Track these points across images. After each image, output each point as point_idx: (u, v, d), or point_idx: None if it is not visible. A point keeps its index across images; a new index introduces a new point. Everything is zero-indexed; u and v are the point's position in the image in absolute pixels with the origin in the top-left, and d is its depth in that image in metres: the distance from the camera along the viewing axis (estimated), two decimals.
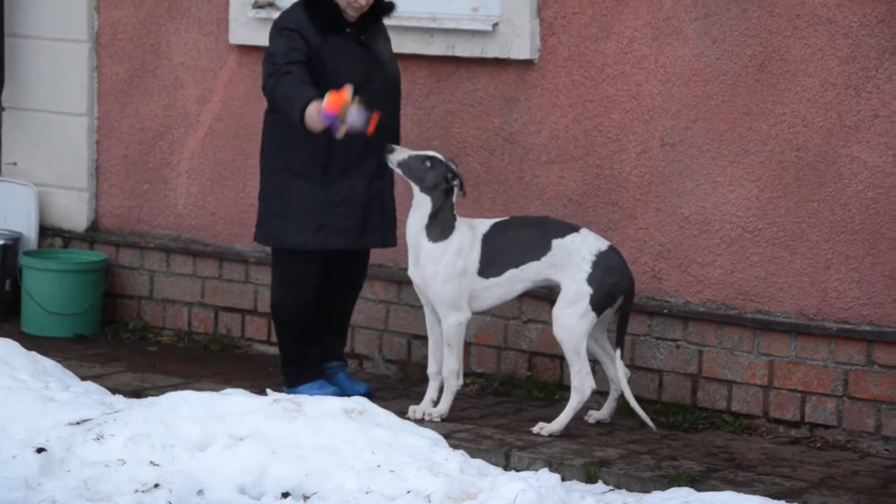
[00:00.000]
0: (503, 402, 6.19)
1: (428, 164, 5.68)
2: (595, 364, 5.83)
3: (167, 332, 7.14)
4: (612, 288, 5.68)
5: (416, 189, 5.73)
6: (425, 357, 6.48)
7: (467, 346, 6.45)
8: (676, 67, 6.03)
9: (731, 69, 5.92)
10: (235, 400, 5.26)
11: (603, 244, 5.73)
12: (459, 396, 5.97)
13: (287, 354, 6.08)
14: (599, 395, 5.87)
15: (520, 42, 6.27)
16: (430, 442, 5.15)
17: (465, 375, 6.42)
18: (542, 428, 5.71)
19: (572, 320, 5.64)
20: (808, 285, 5.81)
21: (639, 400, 6.05)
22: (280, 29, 5.90)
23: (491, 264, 5.71)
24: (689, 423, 5.91)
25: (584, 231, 5.75)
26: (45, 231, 7.39)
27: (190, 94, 7.07)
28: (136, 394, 5.99)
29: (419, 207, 5.72)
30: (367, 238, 5.97)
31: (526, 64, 6.32)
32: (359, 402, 5.32)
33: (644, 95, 6.10)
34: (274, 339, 6.45)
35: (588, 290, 5.63)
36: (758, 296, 5.91)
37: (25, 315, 7.11)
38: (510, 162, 6.38)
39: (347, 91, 5.54)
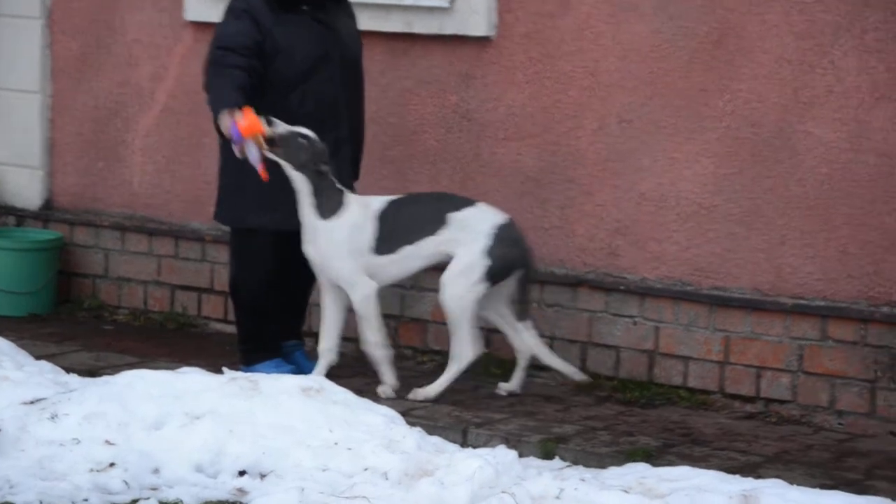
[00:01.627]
0: (460, 379, 6.18)
1: (304, 141, 5.61)
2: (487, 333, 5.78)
3: (123, 311, 7.09)
4: (511, 261, 5.70)
5: (288, 168, 5.65)
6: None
7: (423, 323, 6.45)
8: (633, 44, 6.03)
9: (687, 45, 5.93)
10: (192, 378, 5.24)
11: (501, 217, 5.74)
12: (416, 374, 5.97)
13: (244, 332, 6.06)
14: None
15: (477, 19, 6.25)
16: (387, 419, 5.15)
17: (423, 353, 6.42)
18: (417, 393, 5.75)
19: (461, 289, 5.64)
20: (764, 261, 5.83)
21: (596, 376, 6.08)
22: (232, 8, 5.86)
23: (386, 242, 5.70)
24: (645, 399, 5.93)
25: (480, 205, 5.76)
26: None
27: (144, 71, 7.01)
28: (92, 373, 5.95)
29: (299, 188, 5.67)
30: None
31: (483, 41, 6.31)
32: (316, 381, 5.31)
33: (601, 72, 6.10)
34: (231, 317, 6.42)
35: (485, 262, 5.64)
36: (714, 272, 5.93)
37: None
38: (467, 139, 6.37)
39: (262, 125, 5.55)
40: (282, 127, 5.64)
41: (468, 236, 5.66)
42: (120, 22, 7.04)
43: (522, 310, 5.81)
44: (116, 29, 7.05)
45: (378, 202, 5.76)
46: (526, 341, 5.83)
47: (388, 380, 5.81)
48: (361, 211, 5.71)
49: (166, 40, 6.94)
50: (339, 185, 5.71)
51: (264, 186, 5.76)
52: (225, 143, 5.92)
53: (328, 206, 5.67)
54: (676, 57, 5.95)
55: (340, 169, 5.90)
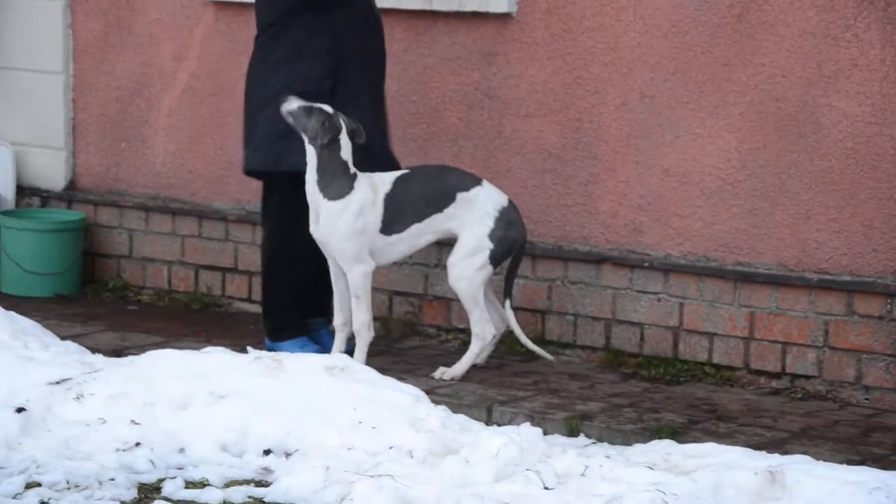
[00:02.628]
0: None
1: (311, 113, 5.58)
2: None
3: (147, 291, 7.11)
4: (511, 243, 5.73)
5: (305, 141, 5.65)
6: (407, 313, 6.48)
7: (447, 301, 6.44)
8: (655, 19, 5.99)
9: (709, 20, 5.89)
10: (216, 358, 5.25)
11: (504, 199, 5.76)
12: (440, 352, 5.96)
13: (272, 307, 6.03)
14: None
15: None
16: (411, 398, 5.15)
17: (447, 331, 6.42)
18: (444, 373, 5.76)
19: (470, 271, 5.67)
20: (789, 236, 5.81)
21: (620, 353, 6.07)
22: None
23: (394, 221, 5.70)
24: (670, 376, 5.92)
25: (486, 184, 5.76)
26: (23, 190, 7.34)
27: (166, 50, 7.01)
28: (117, 353, 5.97)
29: (309, 161, 5.65)
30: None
31: (504, 17, 6.28)
32: (340, 360, 5.31)
33: (623, 48, 6.07)
34: (255, 296, 6.43)
35: (489, 245, 5.68)
36: (738, 248, 5.91)
37: (4, 275, 7.08)
38: (489, 116, 6.35)
39: None
40: (294, 102, 5.62)
41: (473, 217, 5.68)
42: (141, 2, 7.04)
43: (508, 288, 5.80)
44: (137, 9, 7.05)
45: (385, 184, 5.72)
46: (505, 318, 5.83)
47: (361, 360, 5.77)
48: (370, 194, 5.68)
49: (188, 20, 6.94)
50: (352, 169, 5.69)
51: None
52: (261, 88, 5.83)
53: (334, 186, 5.64)
54: (699, 32, 5.91)
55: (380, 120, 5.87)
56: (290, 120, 5.64)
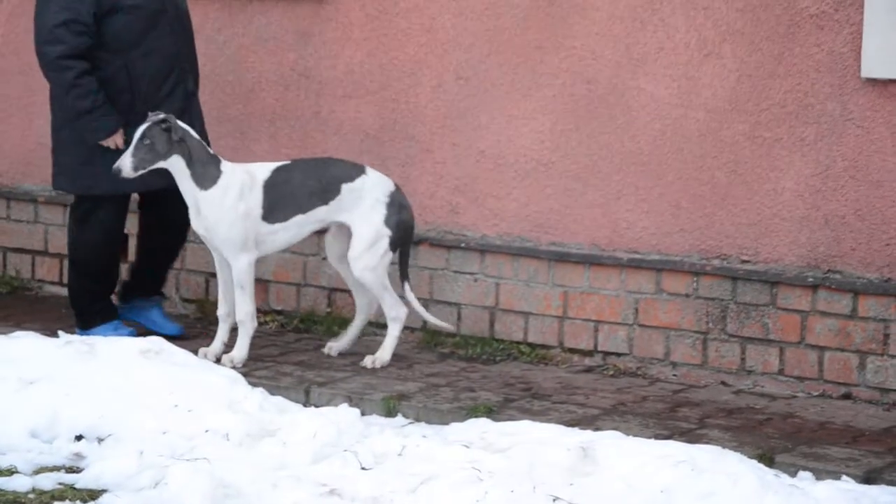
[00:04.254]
0: (303, 339, 6.19)
1: (148, 136, 5.49)
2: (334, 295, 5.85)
3: None
4: (406, 226, 5.76)
5: (160, 163, 5.54)
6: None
7: (265, 283, 6.41)
8: (469, 1, 6.04)
9: (522, 3, 5.96)
10: (26, 343, 5.15)
11: (390, 183, 5.78)
12: (258, 334, 5.93)
13: (83, 296, 5.95)
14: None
15: None
16: (228, 380, 5.12)
17: (265, 313, 6.39)
18: (374, 361, 5.76)
19: (374, 261, 5.69)
20: (601, 216, 5.92)
21: (437, 333, 6.12)
22: None
23: (275, 210, 5.68)
24: (487, 355, 5.99)
25: (370, 171, 5.77)
26: None
27: None
28: None
29: (175, 169, 5.57)
30: None
31: None
32: (154, 343, 5.25)
33: (438, 29, 6.10)
34: (66, 280, 6.29)
35: (387, 232, 5.70)
36: (552, 228, 6.00)
37: None
38: (306, 97, 6.33)
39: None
40: (127, 159, 5.49)
41: (364, 206, 5.67)
42: None
43: (404, 271, 5.82)
44: None
45: (263, 171, 5.69)
46: (408, 299, 5.83)
47: (241, 353, 5.73)
48: (245, 178, 5.63)
49: None
50: (212, 153, 5.63)
51: (111, 155, 5.63)
52: (61, 111, 5.78)
53: (207, 175, 5.59)
54: (512, 14, 5.98)
55: (194, 123, 5.81)
56: (147, 160, 5.51)
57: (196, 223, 5.66)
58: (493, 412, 5.21)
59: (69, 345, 5.12)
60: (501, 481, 4.40)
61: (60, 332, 5.32)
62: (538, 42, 5.95)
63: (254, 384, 5.22)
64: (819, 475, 4.70)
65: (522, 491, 4.37)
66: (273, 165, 5.74)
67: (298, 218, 5.70)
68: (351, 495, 4.42)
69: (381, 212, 5.69)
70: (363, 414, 5.12)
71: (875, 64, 5.38)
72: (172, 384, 4.99)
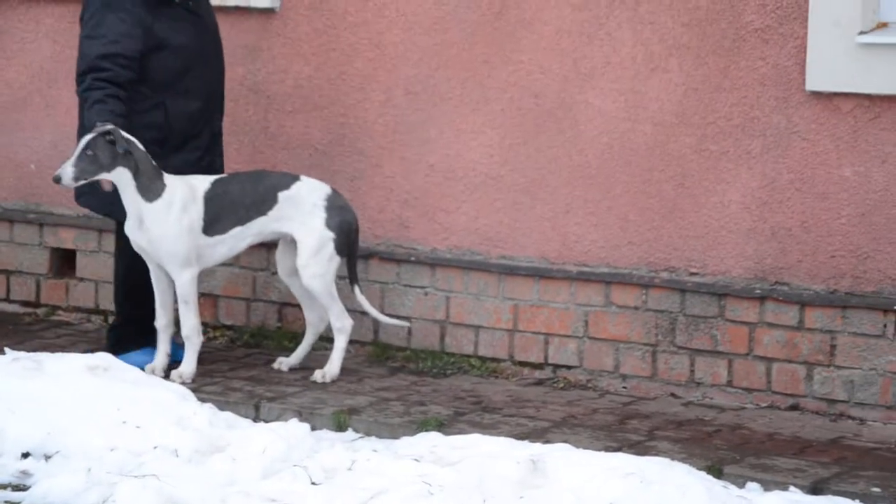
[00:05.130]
0: (253, 354, 6.17)
1: (91, 148, 5.45)
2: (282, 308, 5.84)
3: None
4: (349, 227, 5.75)
5: (104, 175, 5.51)
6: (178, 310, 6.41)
7: (215, 298, 6.39)
8: (417, 16, 6.06)
9: (469, 17, 5.99)
10: None
11: (326, 187, 5.78)
12: (208, 349, 5.91)
13: (125, 321, 5.89)
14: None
15: None
16: (177, 396, 5.11)
17: (214, 328, 6.37)
18: (324, 375, 5.75)
19: (321, 268, 5.68)
20: (550, 230, 5.95)
21: (388, 347, 6.12)
22: (110, 2, 5.62)
23: (215, 222, 5.67)
24: (437, 369, 6.00)
25: (304, 178, 5.77)
26: None
27: None
28: None
29: (119, 181, 5.55)
30: None
31: (268, 12, 6.26)
32: (103, 359, 5.23)
33: (386, 44, 6.12)
34: (13, 296, 6.27)
35: (330, 235, 5.69)
36: (502, 241, 6.02)
37: None
38: (255, 112, 6.33)
39: None
40: (67, 167, 5.46)
41: (303, 213, 5.67)
42: None
43: (353, 274, 5.82)
44: None
45: (203, 183, 5.68)
46: (359, 301, 5.83)
47: (190, 367, 5.71)
48: (187, 191, 5.62)
49: None
50: (154, 164, 5.61)
51: None
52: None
53: (152, 188, 5.57)
54: (460, 29, 6.00)
55: (215, 162, 5.84)
56: (89, 171, 5.48)
57: (137, 236, 5.63)
58: (443, 426, 5.22)
59: (16, 361, 5.09)
60: (451, 495, 4.41)
61: (7, 349, 5.28)
62: (486, 56, 5.97)
63: (203, 400, 5.21)
64: (767, 486, 4.73)
65: None
66: (212, 178, 5.73)
67: (237, 230, 5.69)
68: None
69: (320, 216, 5.69)
70: (313, 429, 5.11)
71: (819, 77, 5.44)
72: (121, 400, 4.97)
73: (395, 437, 5.12)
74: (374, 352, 6.16)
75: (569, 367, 5.92)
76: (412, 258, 6.13)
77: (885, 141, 5.40)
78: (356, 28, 6.15)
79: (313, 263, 5.68)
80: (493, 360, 6.02)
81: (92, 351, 5.57)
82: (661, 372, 5.76)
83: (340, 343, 5.80)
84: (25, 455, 4.78)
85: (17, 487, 4.63)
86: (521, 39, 5.91)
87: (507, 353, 6.02)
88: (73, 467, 4.65)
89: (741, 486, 4.71)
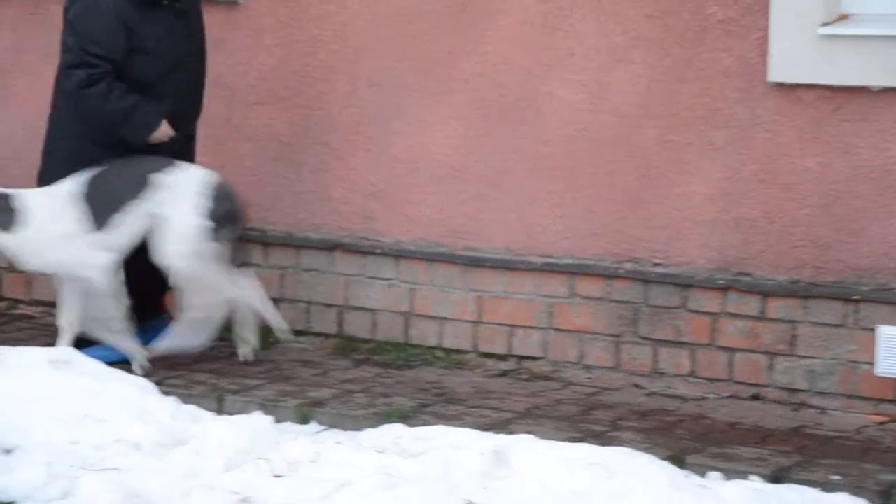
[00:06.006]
0: (216, 347, 6.13)
1: None
2: None
3: None
4: (222, 216, 5.64)
5: None
6: None
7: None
8: (380, 7, 6.05)
9: (433, 8, 5.98)
10: None
11: (209, 176, 5.69)
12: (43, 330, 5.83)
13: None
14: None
15: None
16: (140, 389, 5.09)
17: (27, 304, 6.30)
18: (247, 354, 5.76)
19: (184, 251, 5.57)
20: (515, 221, 5.95)
21: (353, 339, 6.11)
22: (95, 2, 5.57)
23: (96, 217, 5.59)
24: (402, 361, 5.99)
25: (187, 165, 5.72)
26: None
27: None
28: None
29: None
30: None
31: (231, 4, 6.24)
32: (64, 353, 5.21)
33: (350, 35, 6.10)
34: None
35: (198, 221, 5.60)
36: (467, 233, 6.02)
37: None
38: (218, 104, 6.29)
39: None
40: None
41: (177, 197, 5.60)
42: None
43: (242, 263, 5.76)
44: None
45: (69, 185, 5.60)
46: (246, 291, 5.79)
47: (138, 354, 5.67)
48: (48, 202, 5.55)
49: None
50: (1, 190, 5.56)
51: None
52: (60, 126, 5.69)
53: (3, 217, 5.51)
54: (424, 20, 5.99)
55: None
56: None
57: (23, 266, 5.60)
58: (407, 417, 5.22)
59: None
60: (416, 486, 4.41)
61: None
62: (450, 47, 5.96)
63: (166, 393, 5.19)
64: (728, 475, 4.75)
65: (437, 495, 4.38)
66: (81, 177, 5.61)
67: (120, 218, 5.58)
68: (264, 503, 4.41)
69: (192, 201, 5.60)
70: (277, 421, 5.10)
71: (782, 68, 5.46)
72: (82, 394, 4.95)
73: (359, 429, 5.11)
74: (338, 344, 6.15)
75: (533, 359, 5.92)
76: (377, 250, 6.12)
77: (847, 132, 5.42)
78: (319, 19, 6.13)
79: (176, 246, 5.55)
80: (458, 351, 6.02)
81: (53, 345, 5.54)
82: (625, 363, 5.77)
83: (259, 306, 5.71)
84: None
85: None
86: (485, 31, 5.91)
87: (471, 344, 6.02)
88: (34, 461, 4.63)
89: (703, 475, 4.73)
